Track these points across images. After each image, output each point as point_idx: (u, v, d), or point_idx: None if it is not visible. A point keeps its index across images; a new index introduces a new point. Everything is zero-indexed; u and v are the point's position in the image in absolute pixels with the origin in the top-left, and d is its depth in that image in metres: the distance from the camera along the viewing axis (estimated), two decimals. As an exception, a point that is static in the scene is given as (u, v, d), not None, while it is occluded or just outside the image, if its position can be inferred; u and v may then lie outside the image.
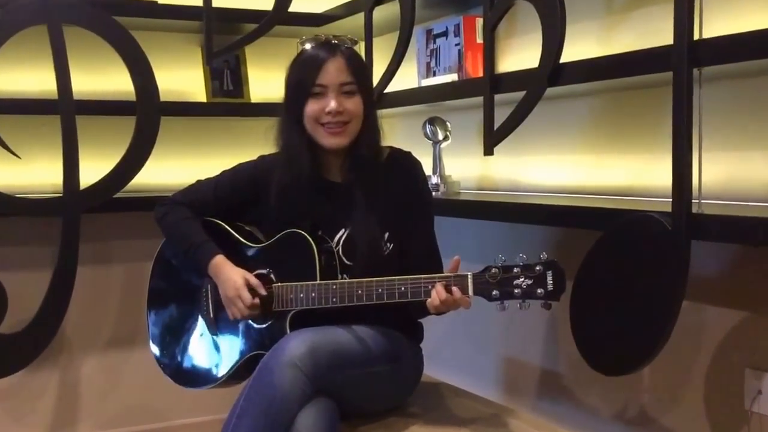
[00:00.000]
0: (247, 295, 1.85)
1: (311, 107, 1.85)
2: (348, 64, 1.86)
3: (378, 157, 1.93)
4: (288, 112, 1.90)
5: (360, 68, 1.90)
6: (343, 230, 1.90)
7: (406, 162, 1.96)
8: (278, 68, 1.96)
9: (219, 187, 2.01)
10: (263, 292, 1.87)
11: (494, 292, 1.66)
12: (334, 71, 1.84)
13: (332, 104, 1.83)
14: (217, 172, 2.05)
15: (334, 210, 1.91)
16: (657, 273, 1.64)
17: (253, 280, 1.88)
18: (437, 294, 1.69)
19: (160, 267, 2.10)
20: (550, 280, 1.62)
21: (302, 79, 1.86)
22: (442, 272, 1.81)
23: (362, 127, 1.89)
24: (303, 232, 1.86)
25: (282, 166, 1.91)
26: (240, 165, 2.03)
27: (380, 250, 1.89)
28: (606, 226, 1.78)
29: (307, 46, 1.90)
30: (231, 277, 1.88)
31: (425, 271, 1.76)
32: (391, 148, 1.99)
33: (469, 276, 1.69)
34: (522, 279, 1.64)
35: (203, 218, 2.00)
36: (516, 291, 1.64)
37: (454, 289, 1.68)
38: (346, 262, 1.89)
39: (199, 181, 2.06)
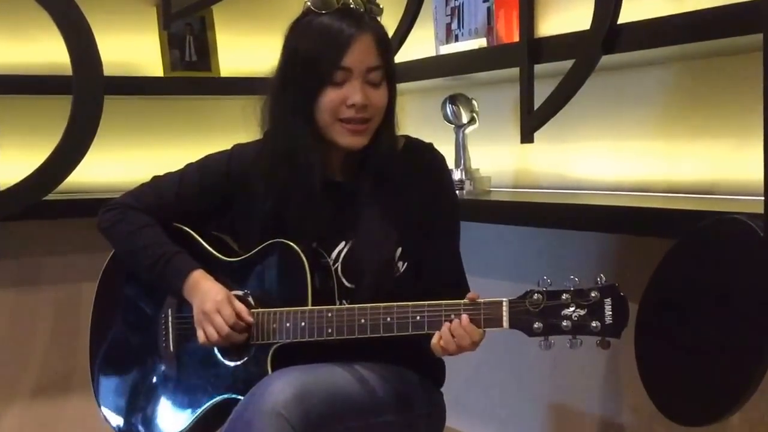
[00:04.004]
0: (229, 311, 1.85)
1: (329, 97, 1.83)
2: (377, 44, 1.84)
3: (393, 152, 1.93)
4: (291, 93, 1.87)
5: (389, 49, 1.90)
6: (343, 243, 1.90)
7: (426, 156, 1.96)
8: (254, 33, 1.98)
9: (183, 185, 2.01)
10: (250, 319, 1.86)
11: (536, 325, 1.66)
12: (361, 52, 1.82)
13: (357, 97, 1.81)
14: (181, 166, 2.05)
15: (334, 216, 1.91)
16: (746, 292, 1.64)
17: (238, 305, 1.87)
18: (444, 330, 1.69)
19: (107, 289, 2.10)
20: (608, 311, 1.62)
21: (321, 59, 1.83)
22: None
23: (383, 120, 1.89)
24: (291, 244, 1.86)
25: (280, 163, 1.90)
26: (209, 157, 2.04)
27: (390, 270, 1.89)
28: (680, 232, 1.78)
29: (322, 11, 1.85)
30: (212, 289, 1.88)
31: (447, 298, 1.74)
32: (406, 137, 1.99)
33: (504, 303, 1.68)
34: (572, 308, 1.64)
35: (162, 223, 2.00)
36: (564, 324, 1.64)
37: (464, 317, 1.68)
38: (347, 284, 1.89)
39: (156, 178, 2.07)
